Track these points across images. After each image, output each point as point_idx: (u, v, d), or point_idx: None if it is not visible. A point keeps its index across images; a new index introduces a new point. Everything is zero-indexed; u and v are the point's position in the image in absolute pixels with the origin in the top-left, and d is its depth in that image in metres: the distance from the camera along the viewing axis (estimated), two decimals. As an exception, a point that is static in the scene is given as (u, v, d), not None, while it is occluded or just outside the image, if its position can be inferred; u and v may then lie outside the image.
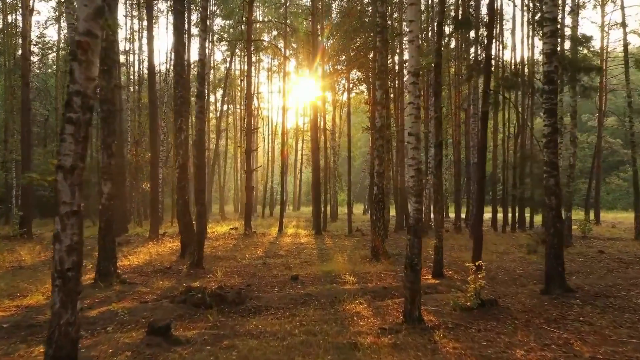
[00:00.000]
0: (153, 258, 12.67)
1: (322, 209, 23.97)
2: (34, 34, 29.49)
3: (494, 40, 24.49)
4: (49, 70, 37.56)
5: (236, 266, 11.47)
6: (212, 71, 42.38)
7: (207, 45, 39.97)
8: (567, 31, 20.45)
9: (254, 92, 52.80)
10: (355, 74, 27.42)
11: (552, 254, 8.14)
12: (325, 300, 7.72)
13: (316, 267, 11.41)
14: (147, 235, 18.53)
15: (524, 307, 7.23)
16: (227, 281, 9.43)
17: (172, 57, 13.43)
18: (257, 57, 48.87)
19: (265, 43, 31.84)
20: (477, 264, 7.15)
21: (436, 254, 10.13)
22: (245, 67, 43.78)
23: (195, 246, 10.65)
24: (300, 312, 6.98)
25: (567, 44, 20.02)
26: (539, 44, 32.26)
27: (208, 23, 29.93)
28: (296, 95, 52.28)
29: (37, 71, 35.79)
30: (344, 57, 23.45)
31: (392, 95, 23.53)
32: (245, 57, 29.81)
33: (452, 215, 37.39)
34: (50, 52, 33.75)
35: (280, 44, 29.94)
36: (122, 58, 34.28)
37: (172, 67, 18.83)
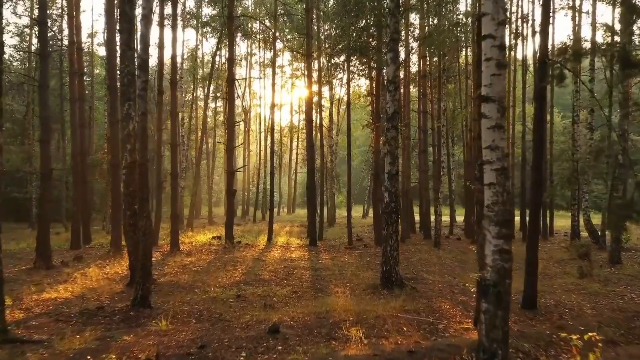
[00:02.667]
0: (92, 287, 9.60)
1: (318, 215, 20.92)
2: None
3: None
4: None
5: (199, 302, 8.43)
6: (201, 65, 39.35)
7: (198, 37, 36.94)
8: None
9: (246, 80, 49.81)
10: (355, 66, 24.40)
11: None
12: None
13: (307, 303, 8.38)
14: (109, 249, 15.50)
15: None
16: (175, 335, 6.41)
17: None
18: (249, 50, 45.91)
19: (252, 30, 28.59)
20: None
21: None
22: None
23: (139, 277, 7.60)
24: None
25: None
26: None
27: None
28: (291, 91, 49.31)
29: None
30: (341, 45, 20.45)
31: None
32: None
33: (459, 218, 34.50)
34: None
35: (272, 36, 26.80)
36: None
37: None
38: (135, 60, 7.81)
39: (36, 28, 22.11)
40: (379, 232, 19.01)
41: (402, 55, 20.73)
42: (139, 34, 8.88)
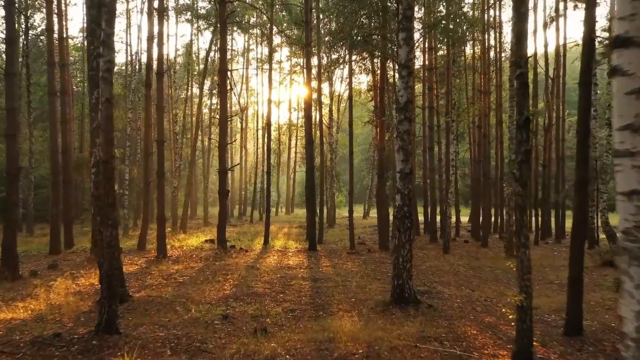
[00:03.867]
0: (57, 304, 8.28)
1: (317, 216, 19.60)
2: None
3: None
4: None
5: (179, 324, 7.12)
6: (197, 61, 38.01)
7: (193, 31, 35.74)
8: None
9: (243, 77, 48.52)
10: (357, 61, 23.08)
11: None
12: None
13: (307, 325, 7.08)
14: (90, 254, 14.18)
15: None
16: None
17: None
18: (246, 46, 44.52)
19: (249, 23, 27.28)
20: None
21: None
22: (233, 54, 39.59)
23: (104, 299, 6.28)
24: None
25: None
26: None
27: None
28: (289, 87, 47.96)
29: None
30: (342, 34, 19.08)
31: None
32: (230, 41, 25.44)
33: (463, 218, 33.26)
34: None
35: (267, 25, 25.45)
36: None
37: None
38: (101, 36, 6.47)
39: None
40: (383, 236, 17.73)
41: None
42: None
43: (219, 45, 17.91)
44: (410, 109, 8.08)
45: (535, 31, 20.54)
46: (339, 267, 12.91)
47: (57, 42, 16.92)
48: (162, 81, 13.94)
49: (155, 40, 14.36)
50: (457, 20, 16.93)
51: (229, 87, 15.13)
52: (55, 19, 16.47)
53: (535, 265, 14.24)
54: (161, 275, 11.41)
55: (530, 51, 25.38)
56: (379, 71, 22.47)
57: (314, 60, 28.11)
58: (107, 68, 6.04)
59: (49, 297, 8.79)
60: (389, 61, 17.13)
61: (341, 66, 34.65)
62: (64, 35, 17.27)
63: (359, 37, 16.31)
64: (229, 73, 16.05)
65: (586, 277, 11.66)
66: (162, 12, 14.62)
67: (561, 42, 23.40)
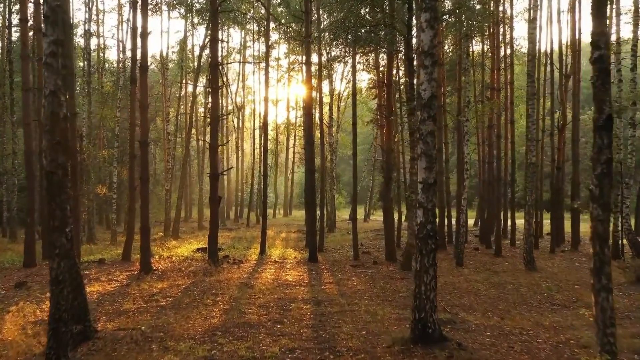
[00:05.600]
0: (6, 341, 6.85)
1: (318, 222, 18.17)
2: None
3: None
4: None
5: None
6: (192, 59, 36.53)
7: (187, 27, 34.24)
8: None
9: (240, 75, 47.01)
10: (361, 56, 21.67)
11: None
12: None
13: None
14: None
15: None
16: None
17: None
18: (243, 42, 43.03)
19: (244, 15, 25.83)
20: None
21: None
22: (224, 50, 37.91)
23: (51, 348, 4.85)
24: None
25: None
26: None
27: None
28: (287, 85, 46.53)
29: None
30: (347, 23, 17.59)
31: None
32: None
33: (469, 221, 31.95)
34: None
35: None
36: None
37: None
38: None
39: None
40: (390, 245, 16.34)
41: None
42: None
43: (210, 36, 16.42)
44: (435, 106, 6.67)
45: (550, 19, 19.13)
46: (343, 285, 11.51)
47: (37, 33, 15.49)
48: (146, 76, 12.52)
49: (139, 31, 12.94)
50: (469, 12, 15.60)
51: (221, 83, 13.69)
52: (31, 8, 15.05)
53: (561, 280, 12.89)
54: (141, 297, 9.99)
55: (541, 47, 24.08)
56: (382, 68, 21.16)
57: (314, 58, 26.76)
58: (52, 52, 4.63)
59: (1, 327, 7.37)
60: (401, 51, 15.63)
61: (342, 63, 33.31)
62: (41, 26, 15.77)
63: (362, 30, 14.89)
64: (222, 68, 14.62)
65: (626, 297, 10.32)
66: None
67: (576, 36, 22.08)
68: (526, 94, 14.55)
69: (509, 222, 21.54)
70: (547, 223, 23.87)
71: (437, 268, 6.81)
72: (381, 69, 20.96)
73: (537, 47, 14.24)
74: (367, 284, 11.65)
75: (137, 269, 13.25)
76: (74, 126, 12.09)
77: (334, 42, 15.06)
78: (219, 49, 16.41)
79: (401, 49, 14.22)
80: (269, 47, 18.73)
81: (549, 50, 22.68)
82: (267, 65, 17.95)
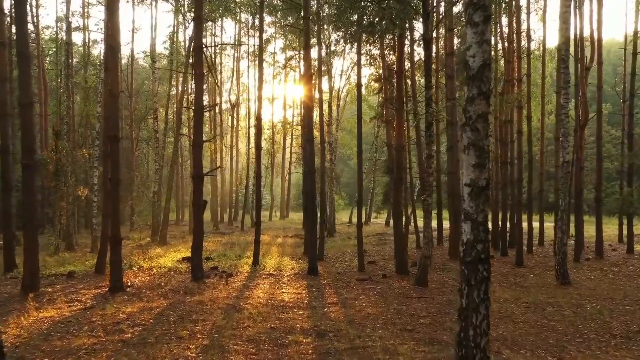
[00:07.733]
0: None
1: (318, 228, 16.24)
2: None
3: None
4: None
5: None
6: (185, 55, 34.56)
7: (178, 19, 32.35)
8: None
9: (234, 72, 44.99)
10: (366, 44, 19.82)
11: None
12: None
13: None
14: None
15: None
16: None
17: None
18: (237, 37, 41.10)
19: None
20: None
21: None
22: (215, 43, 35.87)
23: None
24: None
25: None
26: None
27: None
28: (284, 82, 44.64)
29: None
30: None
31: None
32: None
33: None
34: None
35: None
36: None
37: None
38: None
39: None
40: (400, 255, 14.44)
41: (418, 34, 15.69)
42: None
43: (193, 14, 14.46)
44: (489, 79, 4.79)
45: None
46: (350, 306, 9.62)
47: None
48: (117, 58, 10.66)
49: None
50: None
51: (206, 70, 11.78)
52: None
53: (604, 298, 11.01)
54: (103, 326, 8.05)
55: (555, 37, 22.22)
56: (388, 59, 19.33)
57: (314, 54, 24.90)
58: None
59: None
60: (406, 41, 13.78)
61: (343, 55, 31.43)
62: (2, 8, 13.82)
63: (370, 6, 13.00)
64: (207, 51, 12.70)
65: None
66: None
67: (595, 26, 20.29)
68: (557, 84, 12.70)
69: (524, 226, 19.70)
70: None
71: (458, 283, 4.94)
72: (387, 60, 19.17)
73: (570, 28, 12.37)
74: (379, 305, 9.76)
75: (107, 285, 11.31)
76: (29, 117, 10.14)
77: (340, 20, 13.10)
78: (204, 29, 14.47)
79: (415, 28, 12.33)
80: (262, 21, 16.72)
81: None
82: (261, 53, 16.03)
